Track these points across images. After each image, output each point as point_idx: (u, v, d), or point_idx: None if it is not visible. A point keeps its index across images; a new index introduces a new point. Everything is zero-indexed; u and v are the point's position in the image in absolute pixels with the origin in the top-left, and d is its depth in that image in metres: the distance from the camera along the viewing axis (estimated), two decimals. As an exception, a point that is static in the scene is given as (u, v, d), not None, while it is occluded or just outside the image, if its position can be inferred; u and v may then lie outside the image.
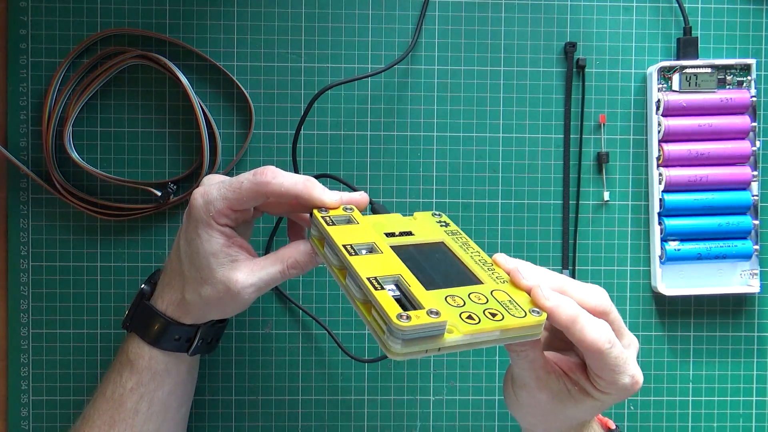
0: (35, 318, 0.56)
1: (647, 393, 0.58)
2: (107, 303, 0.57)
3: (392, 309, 0.35)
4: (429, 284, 0.39)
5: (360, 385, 0.58)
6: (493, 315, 0.37)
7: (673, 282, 0.57)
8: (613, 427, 0.53)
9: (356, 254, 0.39)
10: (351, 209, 0.44)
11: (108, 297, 0.57)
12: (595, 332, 0.38)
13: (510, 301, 0.38)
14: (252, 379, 0.57)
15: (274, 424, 0.58)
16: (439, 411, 0.58)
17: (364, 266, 0.38)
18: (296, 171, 0.55)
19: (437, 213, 0.47)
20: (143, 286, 0.49)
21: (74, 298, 0.57)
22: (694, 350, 0.58)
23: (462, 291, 0.39)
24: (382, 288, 0.37)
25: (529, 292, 0.39)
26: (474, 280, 0.40)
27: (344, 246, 0.40)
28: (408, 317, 0.34)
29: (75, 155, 0.55)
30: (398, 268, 0.39)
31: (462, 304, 0.38)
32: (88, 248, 0.57)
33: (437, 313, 0.35)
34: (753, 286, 0.57)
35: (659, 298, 0.58)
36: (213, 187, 0.44)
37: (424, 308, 0.35)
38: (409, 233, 0.44)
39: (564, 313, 0.38)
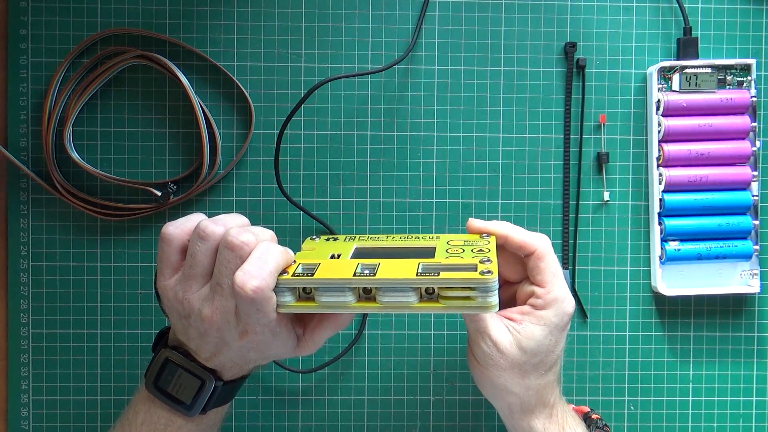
0: (35, 318, 0.56)
1: (647, 393, 0.58)
2: (107, 303, 0.57)
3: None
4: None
5: (360, 385, 0.58)
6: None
7: (673, 282, 0.57)
8: (587, 410, 0.53)
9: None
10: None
11: (108, 297, 0.57)
12: (531, 235, 0.45)
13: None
14: (252, 378, 0.57)
15: (274, 424, 0.58)
16: (439, 411, 0.58)
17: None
18: (277, 172, 0.55)
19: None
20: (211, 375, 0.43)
21: (74, 298, 0.57)
22: (694, 350, 0.58)
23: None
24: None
25: (476, 231, 0.46)
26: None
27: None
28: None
29: (75, 155, 0.55)
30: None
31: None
32: (88, 248, 0.57)
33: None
34: (753, 286, 0.57)
35: (659, 298, 0.58)
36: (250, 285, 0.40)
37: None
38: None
39: (500, 227, 0.45)
